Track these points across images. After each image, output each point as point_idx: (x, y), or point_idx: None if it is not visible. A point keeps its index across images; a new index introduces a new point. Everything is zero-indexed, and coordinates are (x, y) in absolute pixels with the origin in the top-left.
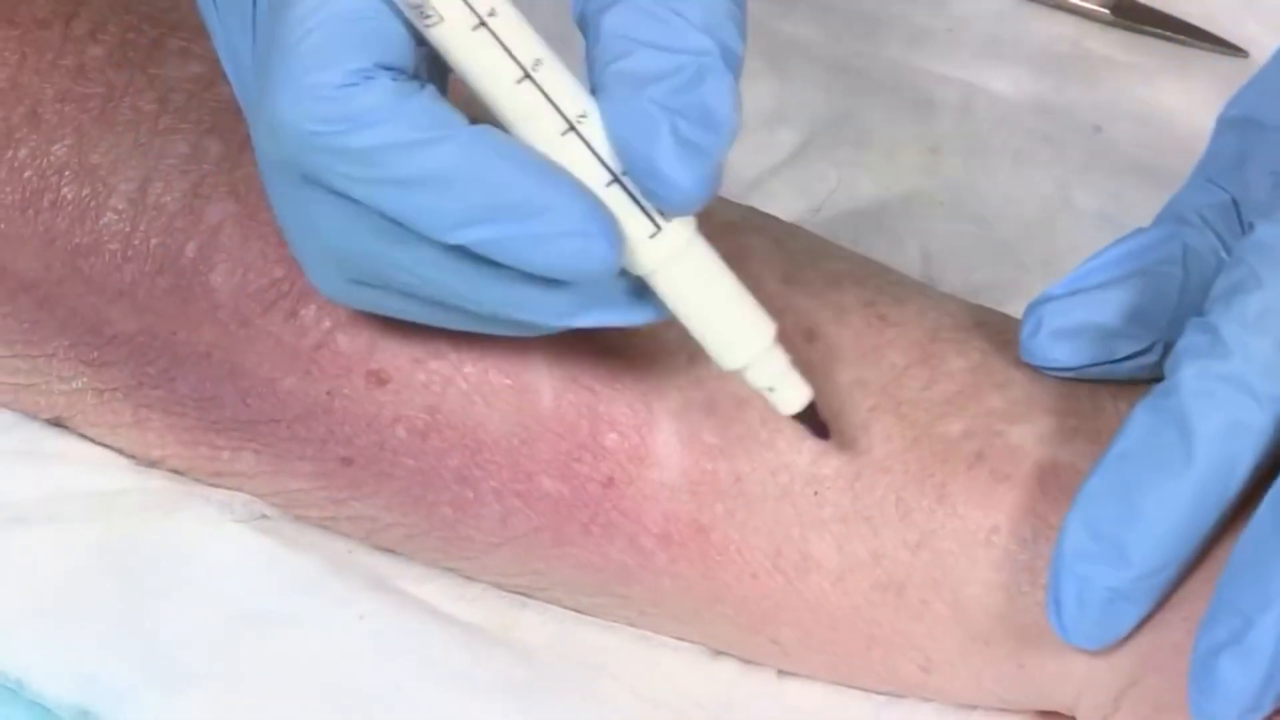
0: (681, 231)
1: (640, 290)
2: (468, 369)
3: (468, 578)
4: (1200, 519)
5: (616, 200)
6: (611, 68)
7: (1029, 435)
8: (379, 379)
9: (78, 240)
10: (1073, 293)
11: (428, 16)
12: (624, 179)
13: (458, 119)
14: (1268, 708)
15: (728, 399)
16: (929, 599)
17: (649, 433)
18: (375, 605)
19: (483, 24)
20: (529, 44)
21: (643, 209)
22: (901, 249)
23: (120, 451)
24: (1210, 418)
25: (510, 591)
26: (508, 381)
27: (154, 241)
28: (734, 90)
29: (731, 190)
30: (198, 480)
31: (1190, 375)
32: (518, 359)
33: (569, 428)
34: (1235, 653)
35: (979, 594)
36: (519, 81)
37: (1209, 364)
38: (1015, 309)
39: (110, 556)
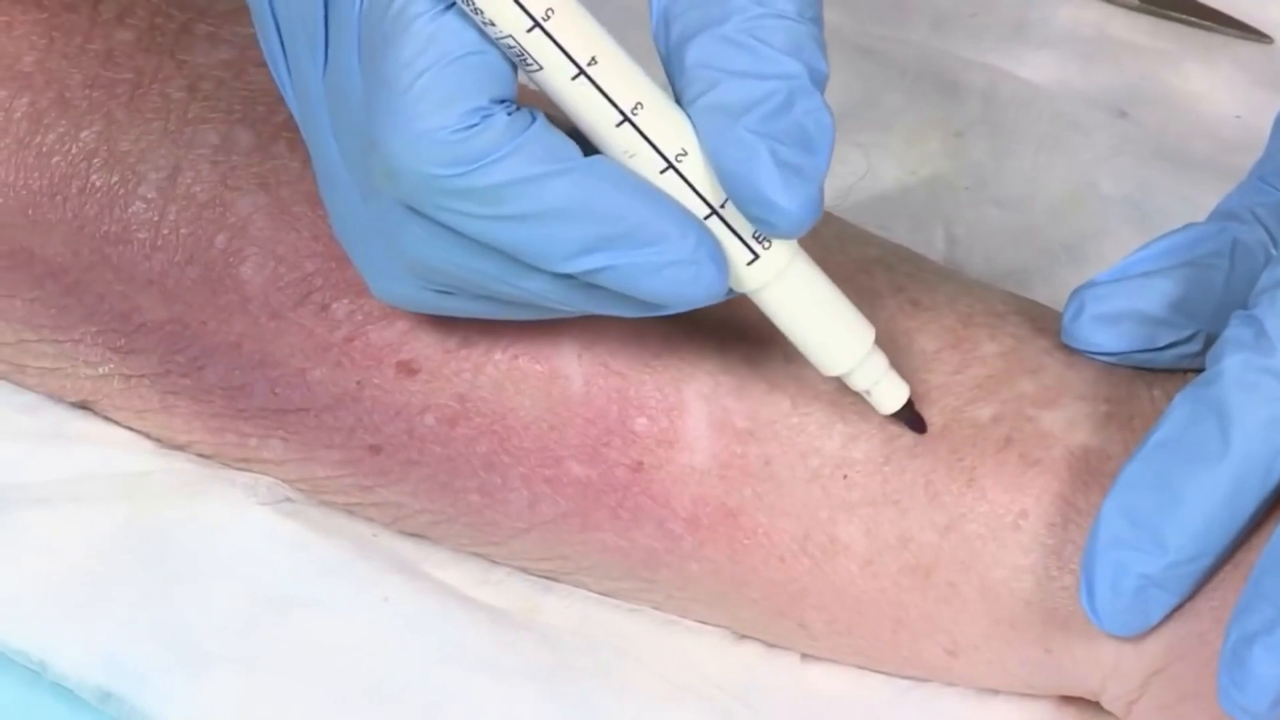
0: (782, 254)
1: None
2: (498, 356)
3: (493, 562)
4: (1237, 510)
5: (717, 231)
6: (701, 101)
7: (1060, 420)
8: (409, 369)
9: (106, 228)
10: (1118, 280)
11: (529, 65)
12: (722, 211)
13: (572, 150)
14: None
15: (758, 383)
16: (956, 582)
17: (678, 417)
18: (400, 589)
19: (581, 73)
20: (629, 88)
21: (740, 239)
22: (926, 233)
23: (146, 435)
24: (1252, 410)
25: (536, 575)
26: (538, 368)
27: (183, 231)
28: (826, 110)
29: None
30: (223, 464)
31: (1233, 367)
32: (548, 345)
33: (598, 413)
34: (1268, 643)
35: (1006, 578)
36: (618, 125)
37: (1252, 357)
38: (1040, 294)
39: (134, 539)
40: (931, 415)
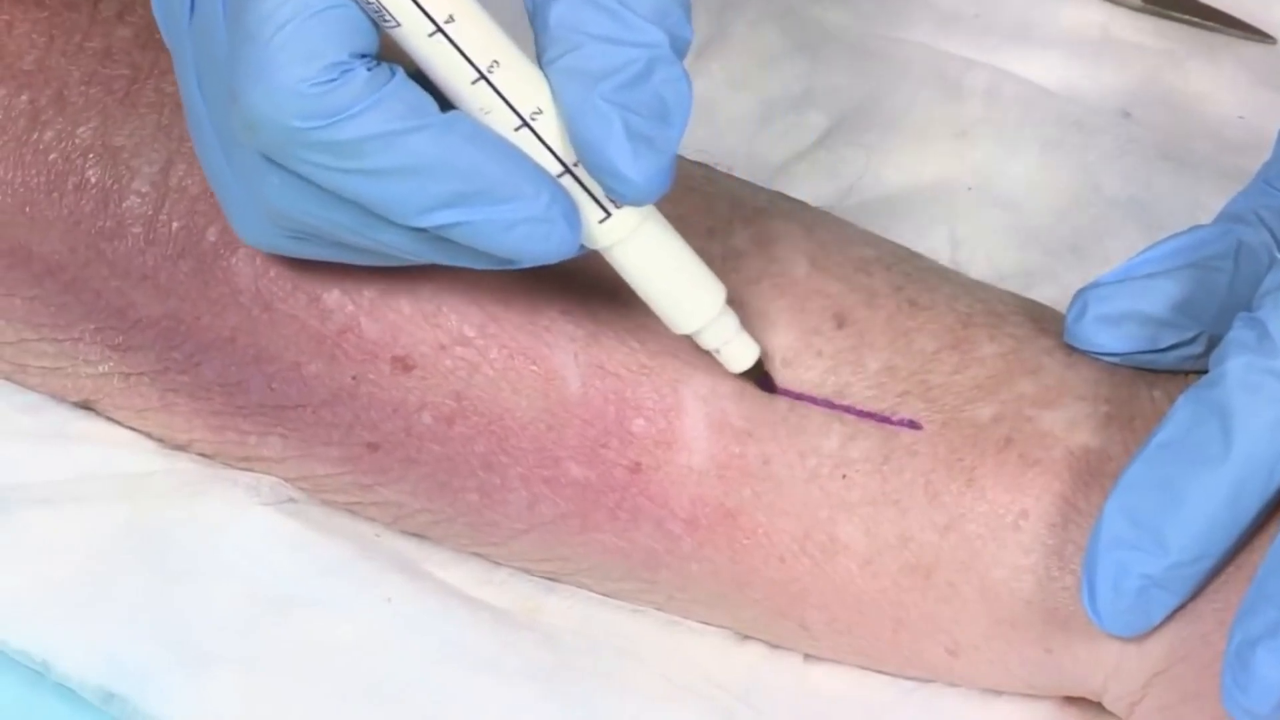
0: (634, 213)
1: None
2: (493, 355)
3: (495, 563)
4: (1240, 512)
5: (570, 188)
6: (560, 62)
7: (1060, 421)
8: (404, 365)
9: (101, 223)
10: (1122, 280)
11: (386, 21)
12: (575, 169)
13: (430, 106)
14: None
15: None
16: (956, 582)
17: (676, 417)
18: (402, 589)
19: (439, 30)
20: (487, 46)
21: (593, 197)
22: (929, 233)
23: (148, 435)
24: (1255, 412)
25: (537, 576)
26: (535, 368)
27: (176, 225)
28: (684, 79)
29: (760, 175)
30: (225, 464)
31: (1236, 368)
32: (544, 345)
33: (596, 413)
34: (1272, 646)
35: (1006, 578)
36: (474, 82)
37: (1255, 359)
38: (1042, 294)
39: (137, 539)
40: (931, 415)
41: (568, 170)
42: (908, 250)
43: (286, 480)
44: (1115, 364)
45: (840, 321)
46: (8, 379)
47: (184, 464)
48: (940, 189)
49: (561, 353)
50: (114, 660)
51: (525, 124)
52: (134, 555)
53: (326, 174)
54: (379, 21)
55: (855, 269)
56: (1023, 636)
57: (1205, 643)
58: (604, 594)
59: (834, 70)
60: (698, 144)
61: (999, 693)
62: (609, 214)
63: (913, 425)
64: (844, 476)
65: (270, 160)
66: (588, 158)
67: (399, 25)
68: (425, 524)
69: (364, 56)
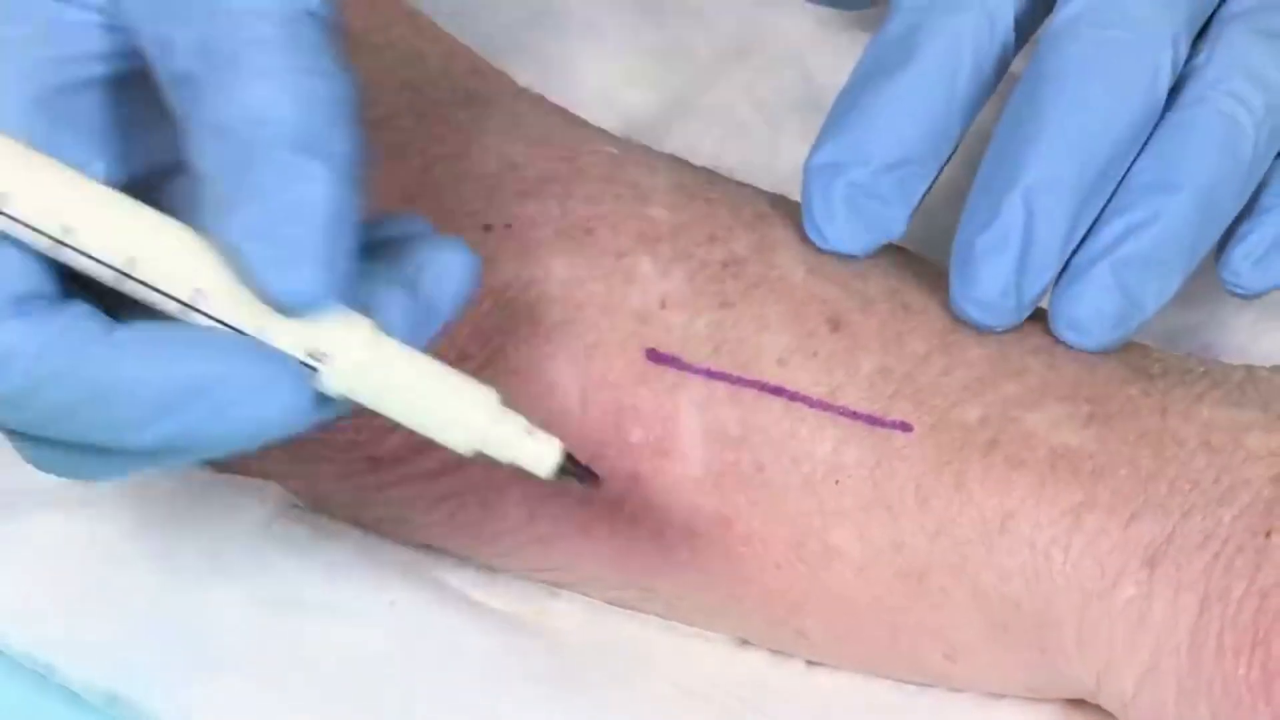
0: (347, 357)
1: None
2: (495, 368)
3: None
4: (933, 110)
5: (273, 348)
6: (203, 209)
7: (1043, 421)
8: None
9: None
10: None
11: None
12: (264, 336)
13: (100, 331)
14: (1033, 288)
15: (750, 389)
16: (949, 587)
17: (673, 426)
18: (406, 593)
19: (63, 244)
20: (117, 244)
21: (294, 355)
22: (932, 233)
23: None
24: (932, 26)
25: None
26: (534, 379)
27: None
28: (321, 177)
29: (765, 181)
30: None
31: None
32: (544, 357)
33: (595, 424)
34: (989, 235)
35: (996, 581)
36: (121, 280)
37: None
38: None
39: (142, 542)
40: (920, 416)
41: (258, 338)
42: (908, 254)
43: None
44: (1096, 362)
45: (835, 325)
46: None
47: (190, 469)
48: (941, 189)
49: (561, 365)
50: (118, 663)
51: (189, 306)
52: (139, 559)
53: (15, 423)
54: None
55: (852, 275)
56: (1016, 639)
57: (1193, 636)
58: (605, 602)
59: (838, 71)
60: (704, 149)
61: (1004, 696)
62: (314, 369)
63: (904, 427)
64: (837, 482)
65: None
66: (253, 290)
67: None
68: (427, 537)
69: (23, 299)
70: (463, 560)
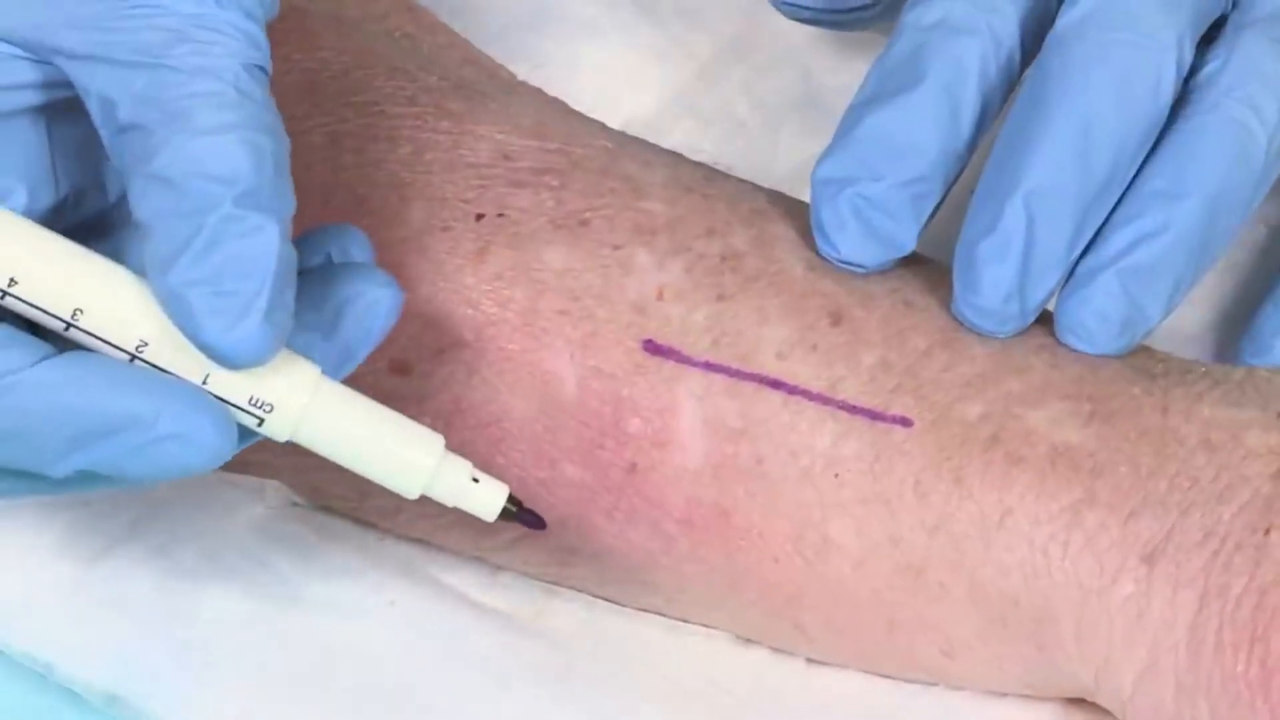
0: (292, 406)
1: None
2: (490, 358)
3: (497, 566)
4: (942, 129)
5: (218, 390)
6: (145, 258)
7: (1044, 419)
8: (401, 369)
9: None
10: None
11: None
12: (206, 384)
13: (22, 361)
14: (1036, 295)
15: (749, 381)
16: (946, 582)
17: (672, 417)
18: (406, 592)
19: (4, 294)
20: (64, 294)
21: (236, 404)
22: (934, 236)
23: None
24: (939, 47)
25: (538, 580)
26: (531, 369)
27: None
28: (262, 228)
29: (764, 180)
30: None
31: (911, 19)
32: (541, 347)
33: (592, 414)
34: (991, 241)
35: (994, 577)
36: (67, 330)
37: (923, 11)
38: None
39: (142, 541)
40: (921, 412)
41: (200, 386)
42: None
43: (287, 486)
44: (1098, 362)
45: (836, 319)
46: None
47: None
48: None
49: (558, 354)
50: (118, 663)
51: (135, 356)
52: (139, 558)
53: None
54: None
55: (851, 272)
56: (1014, 635)
57: (1192, 633)
58: (604, 597)
59: (839, 71)
60: (705, 147)
61: (1004, 695)
62: (260, 418)
63: (904, 422)
64: (836, 475)
65: None
66: (195, 344)
67: None
68: (424, 530)
69: None
70: (463, 560)
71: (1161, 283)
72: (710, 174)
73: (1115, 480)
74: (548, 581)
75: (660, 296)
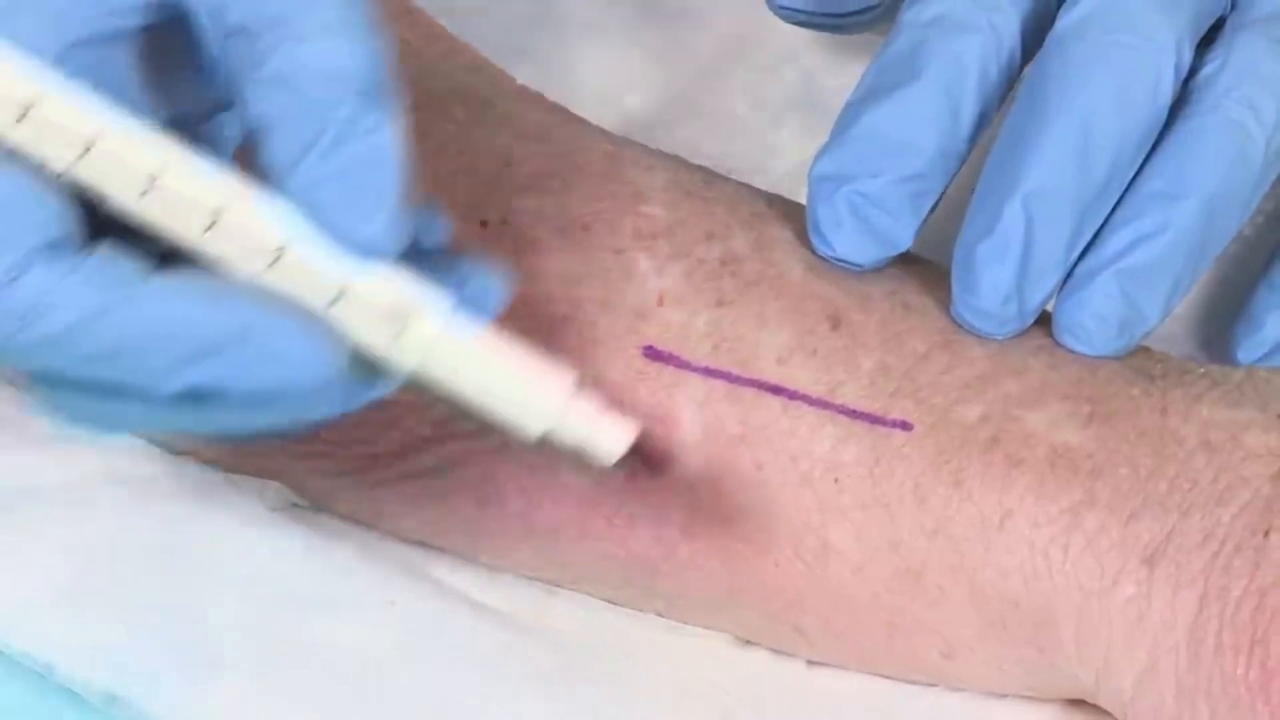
0: (428, 325)
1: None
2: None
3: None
4: (941, 127)
5: (346, 316)
6: (265, 162)
7: (1043, 420)
8: None
9: None
10: None
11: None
12: (338, 303)
13: (135, 274)
14: (1035, 297)
15: (749, 387)
16: (946, 585)
17: (672, 424)
18: (407, 593)
19: (149, 191)
20: (204, 198)
21: (367, 324)
22: (932, 237)
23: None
24: (938, 43)
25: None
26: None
27: None
28: (384, 125)
29: (764, 181)
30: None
31: (910, 16)
32: (541, 353)
33: None
34: (989, 243)
35: (994, 579)
36: (207, 232)
37: (922, 8)
38: None
39: (141, 542)
40: (921, 415)
41: (341, 296)
42: (905, 256)
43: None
44: (1097, 363)
45: (835, 323)
46: (10, 384)
47: (190, 469)
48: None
49: (559, 360)
50: (118, 663)
51: (273, 262)
52: (139, 559)
53: (46, 366)
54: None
55: (851, 274)
56: (1014, 637)
57: (1192, 635)
58: (604, 600)
59: (841, 71)
60: (705, 148)
61: (1004, 696)
62: (402, 329)
63: (904, 426)
64: (835, 480)
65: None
66: (329, 239)
67: (106, 197)
68: (425, 534)
69: (52, 246)
70: (463, 560)
71: (1160, 284)
72: (710, 177)
73: (1115, 482)
74: (548, 584)
75: (661, 302)
